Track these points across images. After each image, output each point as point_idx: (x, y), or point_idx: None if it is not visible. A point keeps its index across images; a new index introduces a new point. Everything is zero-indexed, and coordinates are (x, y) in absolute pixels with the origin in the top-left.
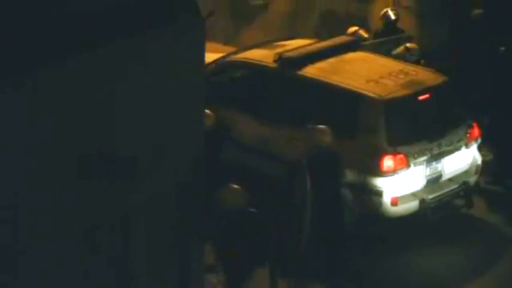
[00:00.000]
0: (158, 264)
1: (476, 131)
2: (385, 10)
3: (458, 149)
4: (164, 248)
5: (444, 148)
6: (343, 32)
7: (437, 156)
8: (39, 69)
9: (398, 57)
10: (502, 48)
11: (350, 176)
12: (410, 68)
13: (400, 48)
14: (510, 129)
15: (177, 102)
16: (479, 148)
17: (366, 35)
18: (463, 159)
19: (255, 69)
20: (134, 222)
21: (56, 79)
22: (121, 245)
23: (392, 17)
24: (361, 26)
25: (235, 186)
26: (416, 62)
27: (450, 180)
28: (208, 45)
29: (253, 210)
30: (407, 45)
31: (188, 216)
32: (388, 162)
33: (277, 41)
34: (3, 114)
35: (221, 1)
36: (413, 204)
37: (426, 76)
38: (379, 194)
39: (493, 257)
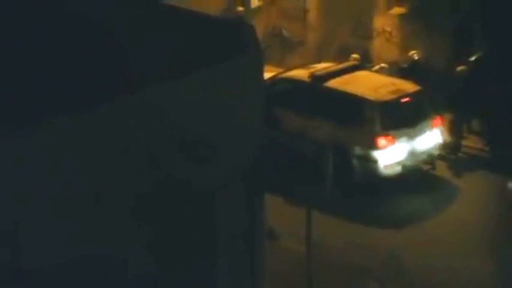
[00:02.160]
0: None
1: (438, 121)
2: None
3: (426, 132)
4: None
5: (418, 132)
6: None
7: (413, 137)
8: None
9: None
10: (473, 58)
11: (358, 150)
12: (396, 81)
13: (376, 67)
14: (463, 121)
15: (244, 107)
16: (442, 132)
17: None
18: (429, 139)
19: (296, 82)
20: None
21: (148, 102)
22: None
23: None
24: (363, 55)
25: None
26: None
27: (421, 152)
28: (266, 67)
29: None
30: (382, 64)
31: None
32: (382, 141)
33: (310, 64)
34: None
35: (274, 38)
36: (398, 168)
37: (406, 86)
38: (376, 162)
39: (448, 200)
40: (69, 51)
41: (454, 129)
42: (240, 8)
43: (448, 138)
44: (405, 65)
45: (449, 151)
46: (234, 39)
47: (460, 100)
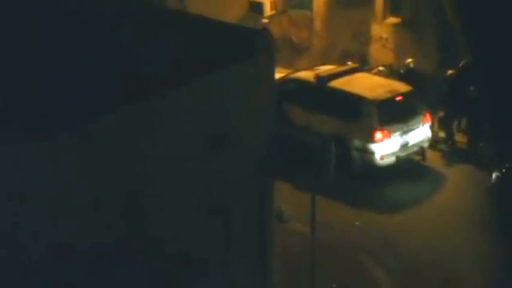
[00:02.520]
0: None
1: (428, 118)
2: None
3: (417, 127)
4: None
5: (410, 127)
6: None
7: (406, 132)
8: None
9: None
10: (461, 64)
11: (357, 143)
12: (391, 82)
13: (374, 70)
14: (451, 118)
15: (258, 104)
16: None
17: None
18: (420, 133)
19: (303, 82)
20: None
21: (171, 103)
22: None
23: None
24: (362, 59)
25: None
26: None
27: (413, 145)
28: (277, 68)
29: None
30: (379, 68)
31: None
32: (378, 134)
33: (315, 67)
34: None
35: (284, 44)
36: (392, 159)
37: (400, 86)
38: (373, 153)
39: (435, 187)
40: (100, 60)
41: (444, 126)
42: (265, 20)
43: (438, 133)
44: (402, 70)
45: (438, 144)
46: (251, 44)
47: (449, 100)
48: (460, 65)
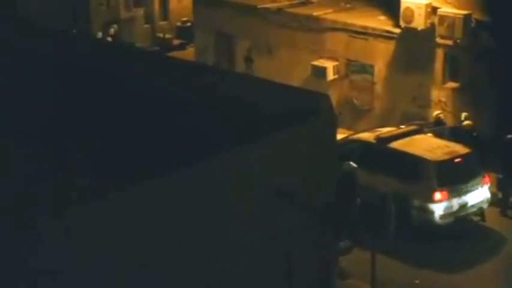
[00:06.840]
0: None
1: (486, 179)
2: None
3: (476, 188)
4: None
5: (469, 188)
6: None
7: (465, 192)
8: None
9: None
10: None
11: (416, 202)
12: (450, 144)
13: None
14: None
15: (321, 162)
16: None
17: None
18: (480, 194)
19: (364, 143)
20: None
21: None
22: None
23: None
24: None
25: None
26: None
27: (472, 206)
28: (339, 130)
29: None
30: (428, 134)
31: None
32: (437, 195)
33: (376, 128)
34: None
35: (346, 106)
36: (451, 219)
37: (459, 148)
38: (432, 213)
39: (495, 250)
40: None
41: (503, 187)
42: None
43: (498, 194)
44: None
45: (498, 206)
46: (314, 106)
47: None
48: None
